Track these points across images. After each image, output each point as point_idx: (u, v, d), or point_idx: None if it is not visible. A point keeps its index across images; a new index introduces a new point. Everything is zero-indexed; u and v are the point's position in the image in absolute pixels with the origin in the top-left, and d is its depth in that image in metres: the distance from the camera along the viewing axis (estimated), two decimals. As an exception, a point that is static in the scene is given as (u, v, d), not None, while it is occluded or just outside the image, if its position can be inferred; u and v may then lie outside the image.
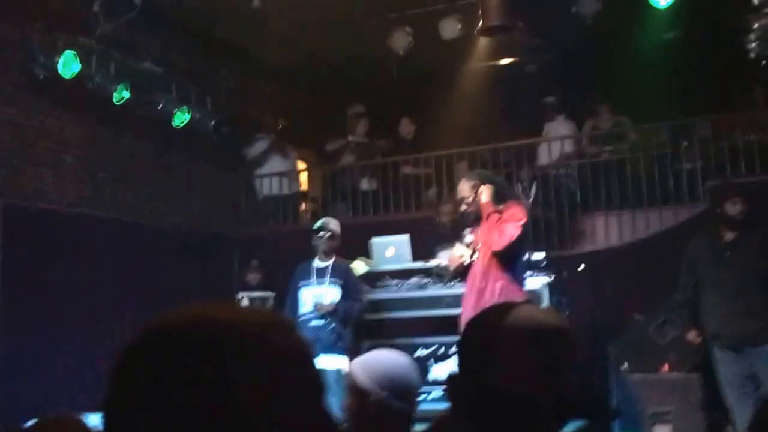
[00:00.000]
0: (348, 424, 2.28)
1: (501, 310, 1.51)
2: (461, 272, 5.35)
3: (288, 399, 0.76)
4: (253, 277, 7.53)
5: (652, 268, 7.16)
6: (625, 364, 6.55)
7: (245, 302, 7.02)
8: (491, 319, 1.49)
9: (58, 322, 6.25)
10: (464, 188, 5.22)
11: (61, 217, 6.60)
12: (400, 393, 2.19)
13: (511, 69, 9.64)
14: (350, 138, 9.22)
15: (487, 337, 1.43)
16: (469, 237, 5.25)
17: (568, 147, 8.81)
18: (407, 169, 8.87)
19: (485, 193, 5.15)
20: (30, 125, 6.56)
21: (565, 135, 8.86)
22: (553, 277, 6.78)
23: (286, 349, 0.79)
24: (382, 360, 2.28)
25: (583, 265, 7.49)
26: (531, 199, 7.73)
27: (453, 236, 5.94)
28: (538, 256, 6.66)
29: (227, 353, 0.74)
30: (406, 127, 9.41)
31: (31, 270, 6.19)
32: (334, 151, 9.24)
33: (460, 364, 1.48)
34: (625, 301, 7.08)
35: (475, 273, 5.11)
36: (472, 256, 5.25)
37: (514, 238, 4.99)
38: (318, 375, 0.81)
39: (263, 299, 7.27)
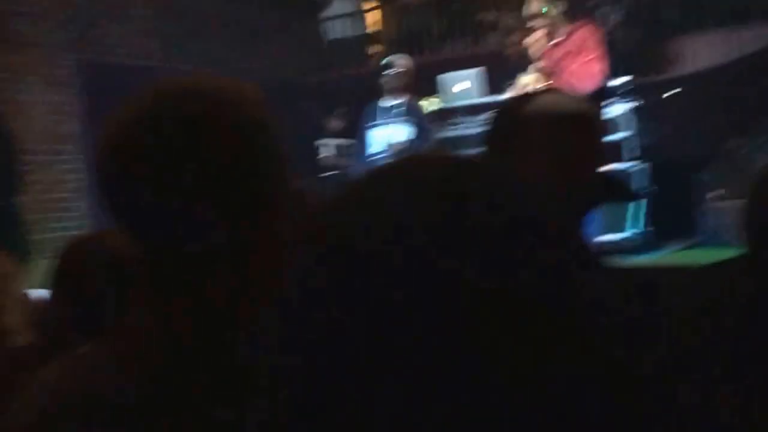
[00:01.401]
0: None
1: (527, 97, 1.47)
2: None
3: (265, 164, 0.84)
4: (336, 124, 7.39)
5: (754, 89, 6.61)
6: (719, 192, 6.27)
7: (327, 149, 6.97)
8: (515, 105, 1.44)
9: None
10: (533, 5, 4.94)
11: (133, 71, 6.69)
12: None
13: None
14: None
15: (509, 125, 1.38)
16: (533, 66, 5.01)
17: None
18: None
19: (554, 11, 4.87)
20: (96, -21, 6.57)
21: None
22: (640, 103, 6.43)
23: (260, 119, 0.85)
24: None
25: (677, 90, 7.01)
26: (615, 19, 7.18)
27: (524, 67, 5.65)
28: (624, 80, 6.28)
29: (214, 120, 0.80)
30: None
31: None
32: None
33: (487, 148, 1.42)
34: (723, 128, 6.63)
35: None
36: (539, 85, 5.03)
37: (602, 76, 4.78)
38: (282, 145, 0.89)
39: (346, 146, 7.16)
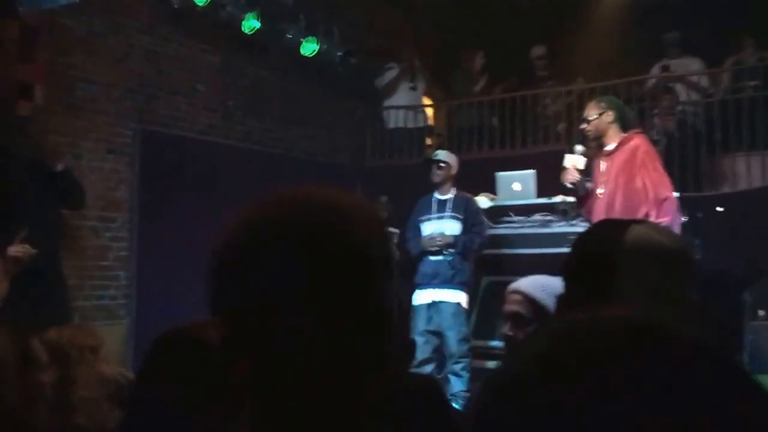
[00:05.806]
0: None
1: (619, 226, 1.36)
2: (580, 191, 4.64)
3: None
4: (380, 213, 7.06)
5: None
6: (762, 312, 5.82)
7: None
8: (610, 235, 1.35)
9: (187, 246, 6.07)
10: (591, 109, 4.58)
11: (192, 144, 6.38)
12: None
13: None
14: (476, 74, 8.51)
15: (606, 254, 1.29)
16: (579, 148, 4.59)
17: (705, 84, 7.77)
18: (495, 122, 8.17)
19: (610, 115, 4.49)
20: (165, 53, 6.29)
21: (705, 71, 7.80)
22: (686, 218, 6.02)
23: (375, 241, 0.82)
24: (554, 283, 2.05)
25: (720, 208, 6.63)
26: (665, 137, 6.86)
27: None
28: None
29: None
30: (537, 51, 8.49)
31: (164, 194, 6.01)
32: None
33: (571, 280, 1.33)
34: (765, 247, 6.21)
35: (600, 209, 4.46)
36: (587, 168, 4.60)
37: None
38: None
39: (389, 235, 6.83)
